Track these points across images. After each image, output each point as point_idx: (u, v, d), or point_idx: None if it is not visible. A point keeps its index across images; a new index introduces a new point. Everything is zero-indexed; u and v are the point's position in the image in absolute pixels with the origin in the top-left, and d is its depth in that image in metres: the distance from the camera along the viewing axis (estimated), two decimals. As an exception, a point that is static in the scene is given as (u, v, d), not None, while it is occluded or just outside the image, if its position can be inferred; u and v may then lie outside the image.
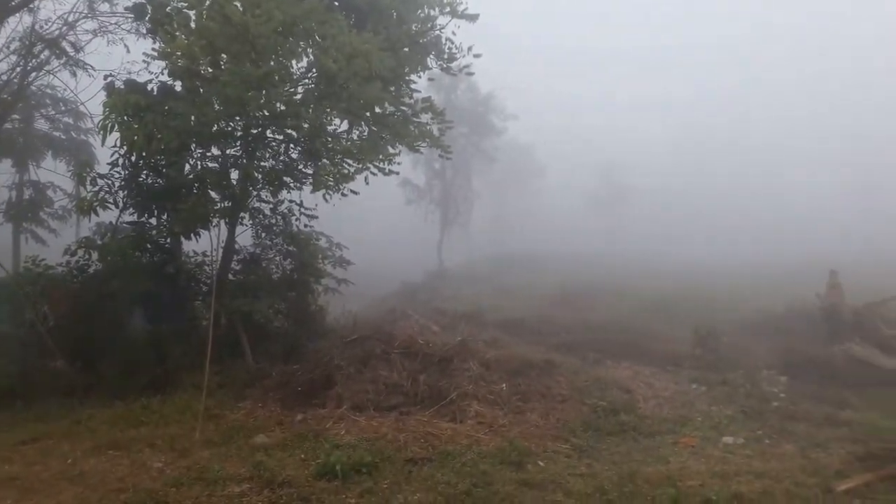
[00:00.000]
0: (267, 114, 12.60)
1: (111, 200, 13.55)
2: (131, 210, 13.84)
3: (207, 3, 11.84)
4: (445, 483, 7.46)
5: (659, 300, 25.89)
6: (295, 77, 13.27)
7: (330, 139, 13.49)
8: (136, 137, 12.10)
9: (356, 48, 11.71)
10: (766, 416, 10.71)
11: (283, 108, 12.53)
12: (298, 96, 13.07)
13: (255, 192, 14.09)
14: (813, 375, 13.66)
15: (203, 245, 13.48)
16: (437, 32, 13.81)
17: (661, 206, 76.99)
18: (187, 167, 13.70)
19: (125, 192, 13.71)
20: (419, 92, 14.50)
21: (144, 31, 14.83)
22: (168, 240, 14.13)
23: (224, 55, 12.29)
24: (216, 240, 12.29)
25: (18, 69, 19.31)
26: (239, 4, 11.55)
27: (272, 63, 12.33)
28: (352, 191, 14.21)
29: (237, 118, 12.90)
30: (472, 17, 13.55)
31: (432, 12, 13.53)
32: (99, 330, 13.05)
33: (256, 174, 13.44)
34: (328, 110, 13.05)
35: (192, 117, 12.25)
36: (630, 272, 38.41)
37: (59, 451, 8.86)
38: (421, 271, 45.74)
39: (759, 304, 22.16)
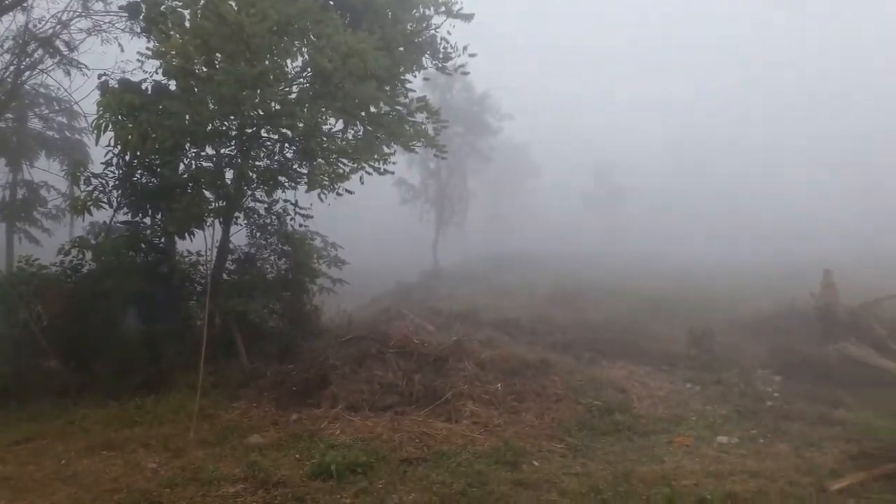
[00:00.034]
0: (262, 113, 12.58)
1: (105, 200, 13.51)
2: (125, 209, 13.81)
3: (202, 2, 11.83)
4: (440, 483, 7.45)
5: (655, 300, 25.93)
6: (290, 76, 13.25)
7: (325, 139, 13.47)
8: (130, 137, 12.08)
9: (351, 47, 11.70)
10: (761, 415, 10.74)
11: (277, 107, 12.51)
12: (293, 96, 13.06)
13: (249, 192, 14.07)
14: (807, 375, 13.70)
15: (197, 245, 13.45)
16: (433, 32, 13.82)
17: (661, 207, 76.88)
18: (182, 166, 13.66)
19: (119, 192, 13.67)
20: (414, 91, 14.51)
21: (139, 30, 14.82)
22: (162, 239, 14.07)
23: (219, 54, 12.27)
24: (210, 239, 12.28)
25: (12, 68, 19.30)
26: (233, 3, 11.54)
27: (267, 62, 12.32)
28: (347, 190, 14.21)
29: (232, 117, 12.87)
30: (467, 17, 13.56)
31: (427, 12, 13.55)
32: (93, 330, 13.00)
33: (251, 174, 13.41)
34: (323, 110, 13.03)
35: (187, 116, 12.22)
36: (628, 272, 38.45)
37: (52, 451, 8.84)
38: (416, 271, 45.73)
39: (757, 304, 22.20)
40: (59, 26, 18.98)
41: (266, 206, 14.85)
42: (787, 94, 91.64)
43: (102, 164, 13.61)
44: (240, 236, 14.81)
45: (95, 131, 12.55)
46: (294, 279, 15.14)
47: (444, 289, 38.05)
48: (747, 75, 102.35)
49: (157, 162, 13.34)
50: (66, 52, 19.40)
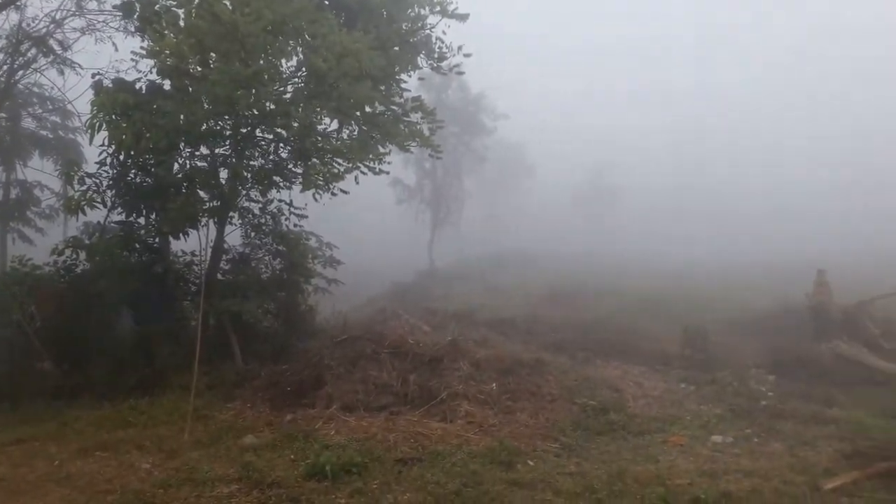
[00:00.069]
0: (256, 113, 12.56)
1: (99, 200, 13.47)
2: (119, 209, 13.77)
3: (196, 1, 11.79)
4: (435, 483, 7.44)
5: (650, 300, 25.95)
6: (284, 76, 13.24)
7: (320, 138, 13.46)
8: (124, 136, 12.05)
9: (346, 47, 11.69)
10: (755, 414, 10.75)
11: (272, 107, 12.50)
12: (288, 95, 13.04)
13: (244, 192, 14.04)
14: (801, 374, 13.73)
15: (192, 245, 13.44)
16: (428, 32, 13.81)
17: (660, 206, 77.05)
18: (176, 166, 13.63)
19: (113, 192, 13.63)
20: (409, 91, 14.51)
21: (133, 30, 14.74)
22: (156, 239, 14.06)
23: (213, 54, 12.25)
24: (205, 239, 12.27)
25: (5, 67, 19.21)
26: (228, 3, 11.52)
27: (261, 62, 12.30)
28: (342, 190, 14.20)
29: (226, 117, 12.85)
30: (462, 17, 13.55)
31: (422, 11, 13.54)
32: (86, 330, 12.97)
33: (245, 173, 13.40)
34: (318, 109, 13.02)
35: (181, 116, 12.20)
36: (624, 272, 38.43)
37: (45, 452, 8.80)
38: (411, 271, 45.66)
39: (752, 303, 22.24)
40: (52, 25, 18.94)
41: (261, 206, 14.84)
42: (787, 94, 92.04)
43: (96, 163, 13.59)
44: (234, 236, 14.81)
45: (89, 131, 12.51)
46: (289, 279, 15.12)
47: (440, 289, 38.04)
48: (747, 75, 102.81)
49: (152, 161, 13.30)
50: (59, 51, 19.35)
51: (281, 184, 14.09)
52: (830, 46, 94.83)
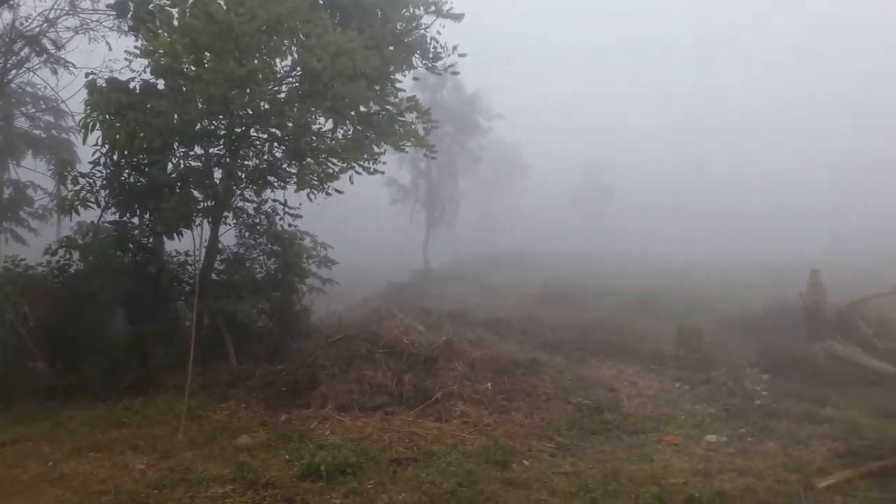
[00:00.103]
0: (251, 112, 12.54)
1: (93, 199, 13.40)
2: (113, 209, 13.72)
3: (190, 0, 11.75)
4: (430, 483, 7.44)
5: (646, 299, 26.02)
6: (279, 76, 13.21)
7: (314, 138, 13.44)
8: (118, 136, 12.01)
9: (341, 47, 11.67)
10: (749, 414, 10.79)
11: (266, 106, 12.47)
12: (282, 95, 13.03)
13: (238, 192, 14.00)
14: (795, 373, 13.81)
15: (186, 245, 13.39)
16: (422, 31, 13.81)
17: (660, 206, 77.17)
18: (170, 166, 13.57)
19: (107, 191, 13.58)
20: (404, 91, 14.48)
21: (127, 29, 14.74)
22: (150, 239, 13.99)
23: (207, 53, 12.21)
24: (199, 239, 12.22)
25: (-2, 66, 19.09)
26: (222, 2, 11.49)
27: (256, 61, 12.27)
28: (336, 190, 14.18)
29: (220, 117, 12.81)
30: (457, 17, 13.54)
31: (417, 11, 13.54)
32: (80, 330, 12.91)
33: (240, 173, 13.35)
34: (312, 109, 13.00)
35: (175, 116, 12.16)
36: (621, 271, 38.55)
37: (39, 453, 8.76)
38: (406, 271, 45.68)
39: (748, 303, 22.30)
40: (46, 24, 18.87)
41: (255, 205, 14.81)
42: (787, 94, 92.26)
43: (90, 163, 13.53)
44: (228, 236, 14.78)
45: (83, 130, 12.46)
46: (283, 279, 15.10)
47: (435, 289, 38.08)
48: (747, 75, 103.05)
49: (146, 161, 13.25)
50: (53, 51, 19.28)
51: (275, 183, 14.04)
52: (830, 46, 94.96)
